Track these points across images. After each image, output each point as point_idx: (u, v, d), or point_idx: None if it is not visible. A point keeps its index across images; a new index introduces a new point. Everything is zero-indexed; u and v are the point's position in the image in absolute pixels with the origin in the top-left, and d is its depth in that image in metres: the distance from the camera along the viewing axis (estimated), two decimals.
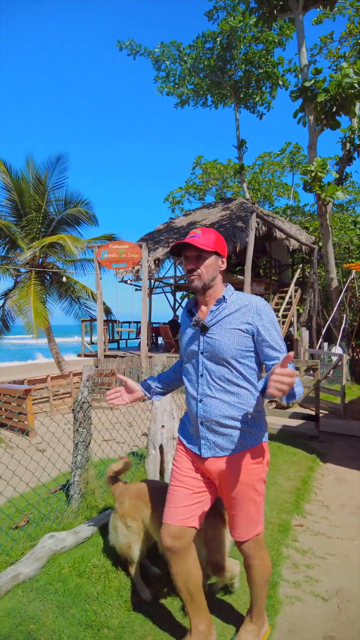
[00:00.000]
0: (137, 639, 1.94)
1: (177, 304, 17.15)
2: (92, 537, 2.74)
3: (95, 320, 13.34)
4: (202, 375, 1.75)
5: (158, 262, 12.87)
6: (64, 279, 14.08)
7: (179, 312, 16.59)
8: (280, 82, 14.10)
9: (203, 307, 1.80)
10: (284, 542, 2.91)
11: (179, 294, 18.43)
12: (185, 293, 18.54)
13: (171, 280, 15.71)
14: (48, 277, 15.51)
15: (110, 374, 10.57)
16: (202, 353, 1.74)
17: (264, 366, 1.79)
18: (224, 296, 1.73)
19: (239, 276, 13.17)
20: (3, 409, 9.25)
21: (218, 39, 13.30)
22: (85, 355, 13.81)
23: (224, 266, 1.78)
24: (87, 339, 14.16)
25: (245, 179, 18.33)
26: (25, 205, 14.13)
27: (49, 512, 2.94)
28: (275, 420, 6.04)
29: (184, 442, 1.88)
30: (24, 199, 14.06)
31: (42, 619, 2.01)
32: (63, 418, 5.90)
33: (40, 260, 15.26)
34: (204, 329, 1.72)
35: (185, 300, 18.58)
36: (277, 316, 14.53)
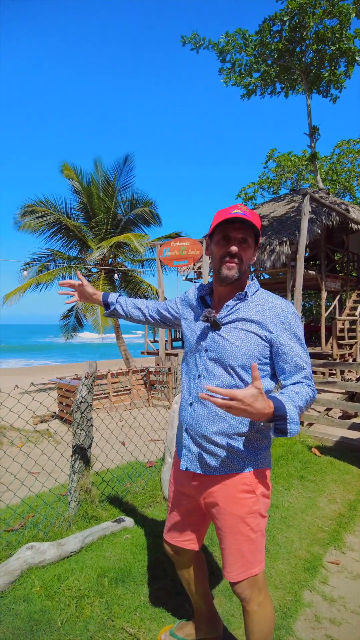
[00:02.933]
0: None
1: None
2: (79, 551, 2.47)
3: None
4: (199, 376, 1.50)
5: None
6: (115, 275, 14.25)
7: None
8: (358, 58, 12.76)
9: (219, 299, 1.54)
10: (309, 584, 2.37)
11: None
12: None
13: None
14: (117, 277, 15.89)
15: (167, 373, 10.40)
16: (206, 351, 1.50)
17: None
18: (246, 292, 1.47)
19: (310, 271, 12.22)
20: (64, 404, 9.57)
21: (286, 19, 12.44)
22: (148, 353, 13.87)
23: (254, 259, 1.51)
24: (151, 337, 14.21)
25: (319, 169, 17.04)
26: (94, 207, 14.60)
27: (43, 519, 2.73)
28: (333, 431, 5.30)
29: (177, 450, 1.65)
30: (94, 201, 14.54)
31: None
32: (120, 414, 5.82)
33: (110, 260, 15.70)
34: (214, 326, 1.47)
35: None
36: (354, 315, 13.22)
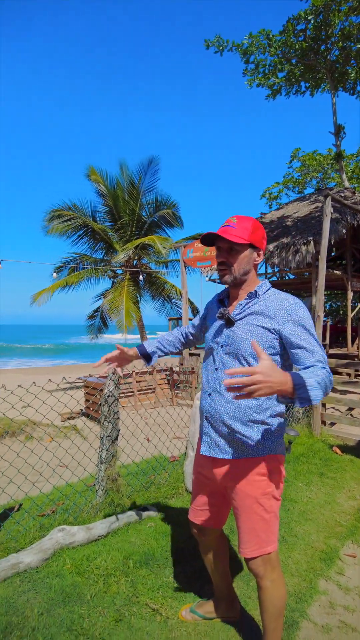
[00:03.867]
0: None
1: None
2: (106, 536, 2.65)
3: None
4: (217, 370, 1.65)
5: None
6: (140, 277, 14.47)
7: None
8: None
9: (233, 300, 1.71)
10: (325, 574, 2.46)
11: None
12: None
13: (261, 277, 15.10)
14: (142, 278, 16.15)
15: (190, 372, 10.54)
16: (221, 347, 1.65)
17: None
18: (256, 291, 1.62)
19: (335, 271, 12.09)
20: (90, 401, 9.86)
21: (311, 17, 12.37)
22: (172, 353, 14.03)
23: (260, 259, 1.64)
24: None
25: (345, 167, 16.78)
26: (119, 209, 14.91)
27: (72, 505, 2.93)
28: (355, 431, 5.31)
29: (200, 436, 1.78)
30: (119, 203, 14.84)
31: (26, 613, 1.97)
32: (146, 411, 6.05)
33: (135, 262, 15.99)
34: (228, 323, 1.62)
35: None
36: None
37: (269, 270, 14.53)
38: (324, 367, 1.44)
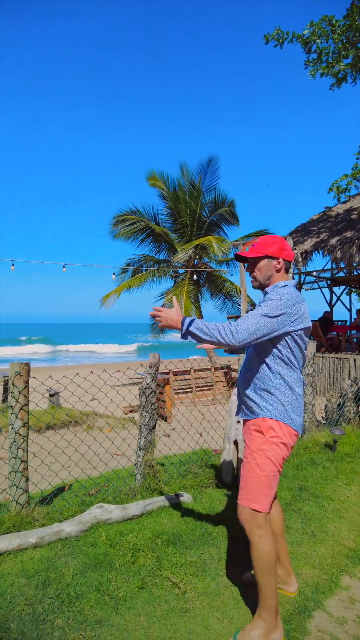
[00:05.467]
0: (132, 614, 2.01)
1: (334, 299, 15.75)
2: (140, 516, 2.88)
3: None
4: (246, 352, 2.13)
5: (306, 255, 12.13)
6: (195, 277, 14.60)
7: (337, 308, 15.20)
8: None
9: None
10: (349, 571, 2.47)
11: (338, 289, 16.87)
12: (346, 288, 16.83)
13: (328, 273, 14.54)
14: (202, 276, 16.38)
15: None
16: None
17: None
18: (266, 290, 2.01)
19: None
20: None
21: None
22: (232, 352, 14.06)
23: (280, 266, 2.00)
24: None
25: None
26: (180, 210, 15.27)
27: (113, 488, 3.22)
28: None
29: None
30: (180, 205, 15.20)
31: (63, 571, 2.27)
32: (202, 408, 6.33)
33: (196, 261, 16.27)
34: None
35: (344, 295, 16.87)
36: None
37: (334, 266, 13.93)
38: (228, 327, 1.77)
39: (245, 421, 2.06)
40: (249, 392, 1.99)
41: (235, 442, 3.52)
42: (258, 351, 1.96)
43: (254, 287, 2.07)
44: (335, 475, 3.76)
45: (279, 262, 1.99)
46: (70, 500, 3.02)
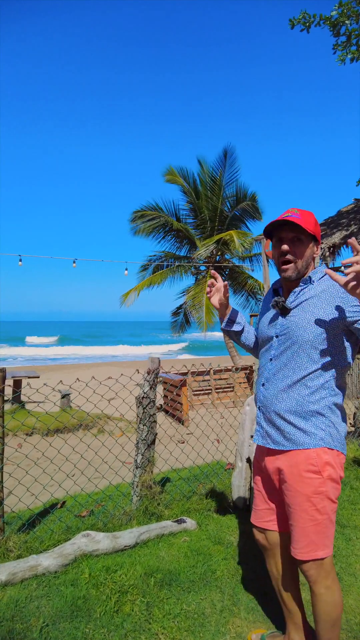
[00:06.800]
0: None
1: None
2: (134, 547, 2.49)
3: None
4: (271, 360, 1.63)
5: (334, 249, 11.43)
6: (212, 271, 14.14)
7: None
8: None
9: (288, 289, 1.65)
10: None
11: None
12: None
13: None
14: (225, 274, 15.87)
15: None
16: (277, 336, 1.61)
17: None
18: (309, 277, 1.58)
19: None
20: (169, 398, 9.92)
21: None
22: None
23: (318, 253, 1.61)
24: None
25: None
26: (202, 206, 14.79)
27: (103, 509, 2.83)
28: None
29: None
30: (201, 200, 14.73)
31: (32, 622, 1.89)
32: (220, 411, 5.95)
33: (218, 257, 15.77)
34: (284, 311, 1.59)
35: None
36: None
37: None
38: None
39: (276, 452, 1.58)
40: (287, 414, 1.52)
41: (249, 460, 3.07)
42: (316, 359, 1.49)
43: (287, 275, 1.54)
44: None
45: (317, 250, 1.59)
46: (54, 525, 2.65)
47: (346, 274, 1.24)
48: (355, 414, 5.13)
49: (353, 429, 5.06)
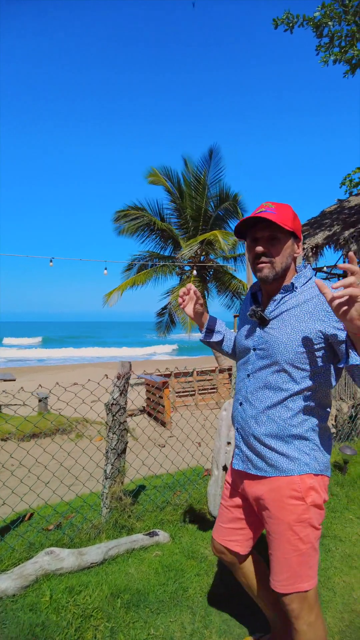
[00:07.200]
0: None
1: None
2: (101, 563, 2.33)
3: None
4: (249, 376, 1.48)
5: (317, 250, 11.43)
6: (194, 272, 14.04)
7: None
8: None
9: (267, 295, 1.50)
10: None
11: None
12: None
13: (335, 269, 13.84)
14: (209, 274, 15.79)
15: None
16: (254, 350, 1.47)
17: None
18: (292, 283, 1.42)
19: None
20: (151, 400, 9.76)
21: None
22: None
23: (300, 252, 1.44)
24: None
25: None
26: (185, 206, 14.68)
27: (70, 523, 2.67)
28: None
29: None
30: (185, 200, 14.62)
31: None
32: (204, 413, 5.80)
33: (203, 257, 15.67)
34: (262, 322, 1.45)
35: None
36: None
37: (347, 261, 13.23)
38: None
39: (256, 477, 1.45)
40: (267, 439, 1.39)
41: (225, 468, 2.94)
42: (297, 378, 1.35)
43: (264, 275, 1.39)
44: (346, 505, 3.16)
45: (299, 247, 1.43)
46: (16, 542, 2.47)
47: (335, 294, 1.06)
48: (336, 416, 5.06)
49: (334, 431, 4.99)
